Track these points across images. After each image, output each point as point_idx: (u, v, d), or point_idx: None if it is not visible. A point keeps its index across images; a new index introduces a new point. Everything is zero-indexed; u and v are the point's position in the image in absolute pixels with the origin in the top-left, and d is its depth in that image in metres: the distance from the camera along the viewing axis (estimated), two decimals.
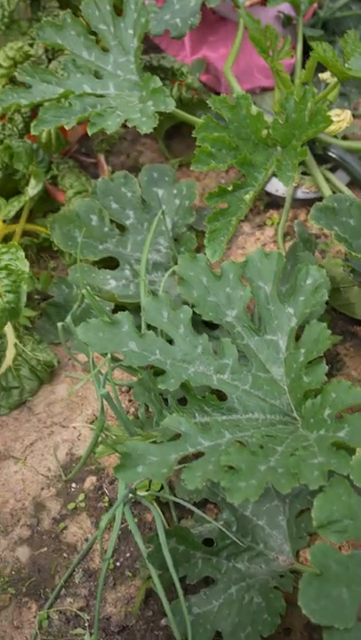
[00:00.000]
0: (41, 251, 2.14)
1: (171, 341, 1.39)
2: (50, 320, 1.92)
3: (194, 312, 1.39)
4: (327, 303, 1.46)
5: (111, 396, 1.36)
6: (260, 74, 2.39)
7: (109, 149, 2.44)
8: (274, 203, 2.11)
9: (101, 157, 2.35)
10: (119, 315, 1.35)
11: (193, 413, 1.35)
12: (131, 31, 1.84)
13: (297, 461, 1.10)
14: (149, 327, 1.47)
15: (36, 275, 2.02)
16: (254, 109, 1.94)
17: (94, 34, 1.88)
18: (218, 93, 2.45)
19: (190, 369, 1.35)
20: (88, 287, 1.51)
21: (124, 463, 1.13)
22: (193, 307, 1.39)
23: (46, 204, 2.18)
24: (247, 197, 1.45)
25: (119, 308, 1.82)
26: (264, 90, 2.44)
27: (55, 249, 1.94)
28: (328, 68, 1.71)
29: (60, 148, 2.13)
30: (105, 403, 1.36)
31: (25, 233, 2.10)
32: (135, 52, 1.82)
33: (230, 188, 1.47)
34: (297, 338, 1.37)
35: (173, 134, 2.45)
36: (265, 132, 1.56)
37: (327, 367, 1.29)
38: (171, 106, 1.64)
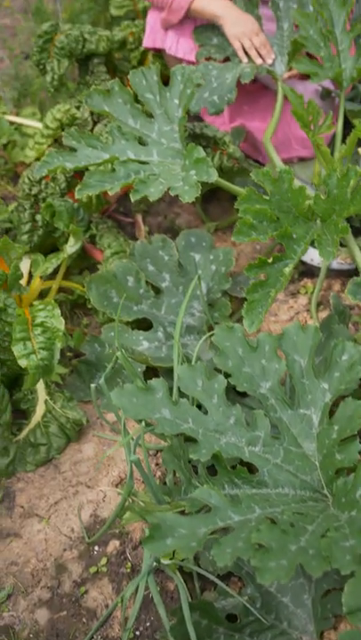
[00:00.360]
0: (75, 307, 2.17)
1: (202, 409, 1.39)
2: (80, 377, 1.93)
3: (228, 382, 1.39)
4: None
5: (141, 462, 1.36)
6: (298, 144, 2.43)
7: (147, 210, 2.48)
8: (308, 271, 2.13)
9: (139, 218, 2.40)
10: (154, 381, 1.35)
11: (223, 485, 1.34)
12: (176, 101, 1.89)
13: (329, 544, 1.09)
14: (181, 394, 1.48)
15: (69, 331, 2.04)
16: (296, 183, 1.98)
17: (140, 102, 1.93)
18: (256, 161, 2.50)
19: (222, 439, 1.35)
20: (119, 345, 1.53)
21: (153, 535, 1.12)
22: (227, 377, 1.39)
23: (83, 261, 2.21)
24: (287, 270, 1.46)
25: (151, 369, 1.84)
26: (301, 159, 2.49)
27: (89, 306, 1.96)
28: None
29: (99, 207, 2.17)
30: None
31: (60, 289, 2.13)
32: (180, 122, 1.87)
33: (270, 261, 1.48)
34: (330, 413, 1.37)
35: (210, 198, 2.50)
36: (306, 204, 1.58)
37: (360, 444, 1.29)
38: (214, 176, 1.68)
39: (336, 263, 2.05)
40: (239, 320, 2.00)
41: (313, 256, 2.08)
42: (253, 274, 1.48)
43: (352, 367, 1.35)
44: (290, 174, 1.57)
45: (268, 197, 1.56)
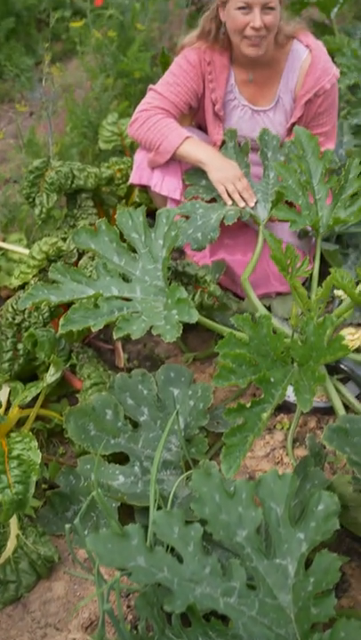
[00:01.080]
0: (52, 435, 2.16)
1: (178, 556, 1.37)
2: (54, 510, 1.90)
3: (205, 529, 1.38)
4: None
5: (114, 610, 1.33)
6: (276, 280, 2.52)
7: (127, 337, 2.52)
8: (285, 407, 2.16)
9: (119, 345, 2.44)
10: (130, 527, 1.34)
11: (197, 637, 1.31)
12: (161, 241, 1.97)
13: None
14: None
15: (44, 461, 2.03)
16: (275, 322, 2.04)
17: (125, 240, 2.00)
18: (235, 294, 2.58)
19: (197, 590, 1.33)
20: (97, 483, 1.52)
21: None
22: (204, 523, 1.39)
23: (62, 389, 2.23)
24: (264, 416, 1.48)
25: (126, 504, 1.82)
26: (279, 294, 2.57)
27: (66, 436, 1.96)
28: (345, 293, 1.81)
29: (81, 336, 2.21)
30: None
31: (38, 417, 2.13)
32: (163, 261, 1.94)
33: (248, 405, 1.51)
34: (307, 564, 1.36)
35: (190, 328, 2.53)
36: (284, 347, 1.63)
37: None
38: (194, 317, 1.73)
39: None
40: (216, 454, 2.01)
41: (289, 392, 2.11)
42: (232, 418, 1.50)
43: (328, 518, 1.35)
44: (268, 319, 1.63)
45: (247, 341, 1.61)
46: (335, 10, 4.00)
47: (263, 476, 1.41)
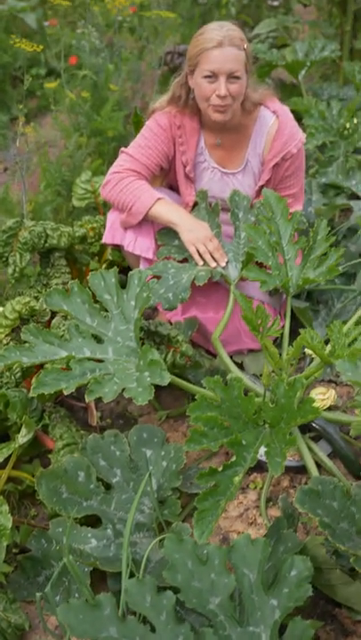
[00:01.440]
0: (23, 497, 2.14)
1: (150, 625, 1.35)
2: (25, 574, 1.86)
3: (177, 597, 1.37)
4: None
5: None
6: (248, 337, 2.55)
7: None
8: (257, 466, 2.15)
9: (92, 404, 2.43)
10: (102, 596, 1.33)
11: None
12: (133, 303, 1.99)
13: None
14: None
15: (15, 524, 2.00)
16: (246, 381, 2.06)
17: (98, 302, 2.02)
18: (207, 350, 2.60)
19: None
20: (69, 549, 1.50)
21: None
22: (177, 591, 1.38)
23: (34, 449, 2.21)
24: (236, 479, 1.49)
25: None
26: (251, 351, 2.60)
27: (38, 497, 1.94)
28: (314, 353, 1.84)
29: (53, 396, 2.20)
30: None
31: (9, 478, 2.11)
32: (135, 322, 1.96)
33: (220, 469, 1.51)
34: (281, 630, 1.35)
35: (163, 385, 2.55)
36: (255, 408, 1.64)
37: None
38: (166, 380, 1.74)
39: None
40: (190, 516, 2.00)
41: (262, 451, 2.11)
42: (204, 482, 1.50)
43: (301, 584, 1.35)
44: (240, 382, 1.64)
45: (218, 404, 1.62)
46: (303, 72, 4.12)
47: (236, 541, 1.41)
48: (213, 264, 2.33)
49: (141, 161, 2.46)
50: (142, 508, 1.90)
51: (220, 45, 2.23)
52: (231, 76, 2.26)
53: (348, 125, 3.47)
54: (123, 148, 2.53)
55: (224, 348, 2.23)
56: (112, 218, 2.55)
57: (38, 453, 2.25)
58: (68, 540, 1.67)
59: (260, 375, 2.41)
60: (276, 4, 6.97)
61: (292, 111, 3.65)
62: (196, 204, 2.53)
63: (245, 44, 2.29)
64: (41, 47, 3.15)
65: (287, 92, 4.52)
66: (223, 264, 2.34)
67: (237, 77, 2.27)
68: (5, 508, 1.76)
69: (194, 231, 2.35)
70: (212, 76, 2.27)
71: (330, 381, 2.52)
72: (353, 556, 1.54)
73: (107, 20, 5.65)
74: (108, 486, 1.93)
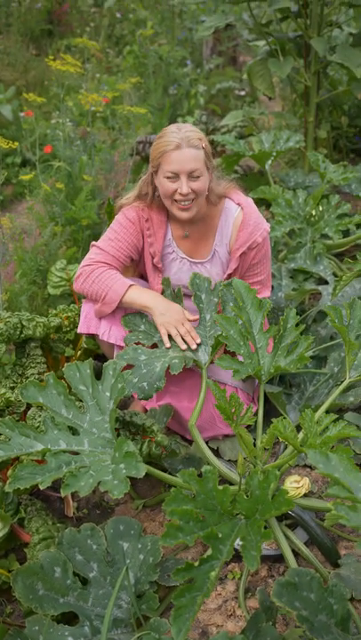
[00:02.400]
0: None
1: None
2: None
3: None
4: None
5: None
6: (222, 424, 2.57)
7: None
8: (235, 555, 2.14)
9: (68, 495, 2.42)
10: None
11: None
12: (108, 393, 2.02)
13: None
14: None
15: None
16: (221, 468, 2.07)
17: (73, 393, 2.04)
18: (183, 437, 2.62)
19: None
20: None
21: None
22: None
23: (9, 543, 2.18)
24: (213, 574, 1.49)
25: None
26: (226, 436, 2.62)
27: (14, 594, 1.91)
28: (287, 442, 1.87)
29: (29, 489, 2.19)
30: None
31: None
32: (111, 413, 1.98)
33: (197, 564, 1.51)
34: None
35: None
36: (230, 500, 1.66)
37: None
38: (142, 472, 1.75)
39: (262, 548, 2.08)
40: (167, 609, 1.97)
41: (238, 540, 2.11)
42: (180, 578, 1.49)
43: None
44: (214, 474, 1.66)
45: (193, 496, 1.63)
46: (269, 161, 4.29)
47: (213, 638, 1.40)
48: (184, 346, 2.37)
49: (111, 253, 2.54)
50: (120, 602, 1.87)
51: (179, 147, 2.35)
52: (192, 175, 2.37)
53: (314, 213, 3.59)
54: (93, 242, 2.60)
55: (199, 434, 2.25)
56: (86, 308, 2.60)
57: (14, 547, 2.22)
58: (46, 638, 1.64)
59: (236, 461, 2.43)
60: (242, 93, 7.31)
61: (260, 199, 3.81)
62: (163, 292, 2.61)
63: (204, 143, 2.41)
64: (16, 144, 3.26)
65: (255, 179, 4.68)
66: (194, 347, 2.38)
67: (198, 176, 2.38)
68: None
69: (166, 314, 2.41)
70: (174, 176, 2.38)
71: (305, 466, 2.55)
72: None
73: (80, 110, 5.87)
74: (84, 581, 1.91)
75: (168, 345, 2.39)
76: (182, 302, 2.55)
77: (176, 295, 2.57)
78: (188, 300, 2.58)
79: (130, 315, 2.49)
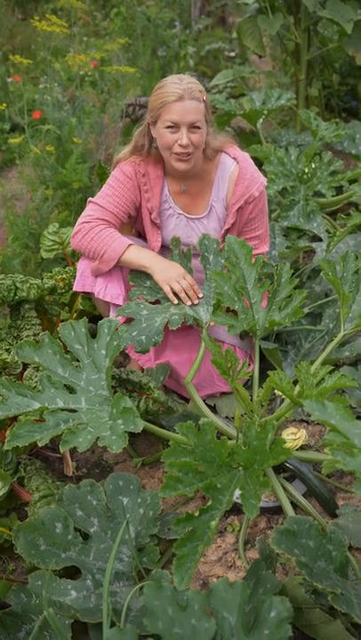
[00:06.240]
0: (1, 551, 2.12)
1: None
2: (5, 630, 1.84)
3: None
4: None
5: None
6: (220, 381, 2.58)
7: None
8: (234, 508, 2.17)
9: (67, 454, 2.43)
10: None
11: None
12: (103, 352, 2.02)
13: None
14: None
15: None
16: (219, 424, 2.08)
17: (69, 352, 2.04)
18: (180, 395, 2.63)
19: None
20: (48, 602, 1.49)
21: None
22: (158, 638, 1.38)
23: (10, 502, 2.20)
24: (213, 524, 1.50)
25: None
26: (224, 394, 2.63)
27: (16, 551, 1.93)
28: (283, 394, 1.87)
29: (28, 448, 2.21)
30: None
31: None
32: (107, 371, 1.98)
33: (197, 514, 1.53)
34: None
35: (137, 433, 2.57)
36: (229, 452, 1.67)
37: None
38: (140, 427, 1.76)
39: (261, 500, 2.10)
40: (169, 562, 2.00)
41: (237, 493, 2.13)
42: (181, 528, 1.51)
43: (280, 624, 1.36)
44: (212, 426, 1.67)
45: (192, 449, 1.64)
46: (261, 120, 4.24)
47: (214, 585, 1.42)
48: (188, 302, 2.37)
49: (109, 209, 2.51)
50: (121, 556, 1.89)
51: (181, 99, 2.31)
52: (192, 127, 2.34)
53: (306, 170, 3.57)
54: (90, 199, 2.58)
55: (197, 392, 2.26)
56: (82, 266, 2.58)
57: (15, 506, 2.24)
58: (48, 591, 1.66)
59: (233, 417, 2.44)
60: (232, 54, 7.21)
61: (253, 158, 3.76)
62: (162, 248, 2.59)
63: (204, 96, 2.38)
64: (4, 105, 3.21)
65: (247, 139, 4.64)
66: (197, 302, 2.38)
67: (198, 127, 2.36)
68: None
69: (166, 271, 2.40)
70: (174, 127, 2.35)
71: (301, 421, 2.56)
72: (331, 593, 1.56)
73: (69, 74, 5.79)
74: (85, 536, 1.93)
75: (175, 301, 2.38)
76: (190, 262, 2.53)
77: (185, 255, 2.55)
78: (195, 260, 2.57)
79: (136, 271, 2.48)
